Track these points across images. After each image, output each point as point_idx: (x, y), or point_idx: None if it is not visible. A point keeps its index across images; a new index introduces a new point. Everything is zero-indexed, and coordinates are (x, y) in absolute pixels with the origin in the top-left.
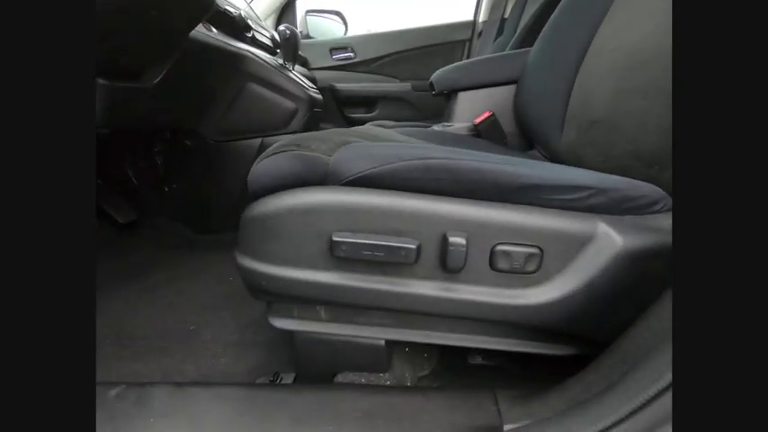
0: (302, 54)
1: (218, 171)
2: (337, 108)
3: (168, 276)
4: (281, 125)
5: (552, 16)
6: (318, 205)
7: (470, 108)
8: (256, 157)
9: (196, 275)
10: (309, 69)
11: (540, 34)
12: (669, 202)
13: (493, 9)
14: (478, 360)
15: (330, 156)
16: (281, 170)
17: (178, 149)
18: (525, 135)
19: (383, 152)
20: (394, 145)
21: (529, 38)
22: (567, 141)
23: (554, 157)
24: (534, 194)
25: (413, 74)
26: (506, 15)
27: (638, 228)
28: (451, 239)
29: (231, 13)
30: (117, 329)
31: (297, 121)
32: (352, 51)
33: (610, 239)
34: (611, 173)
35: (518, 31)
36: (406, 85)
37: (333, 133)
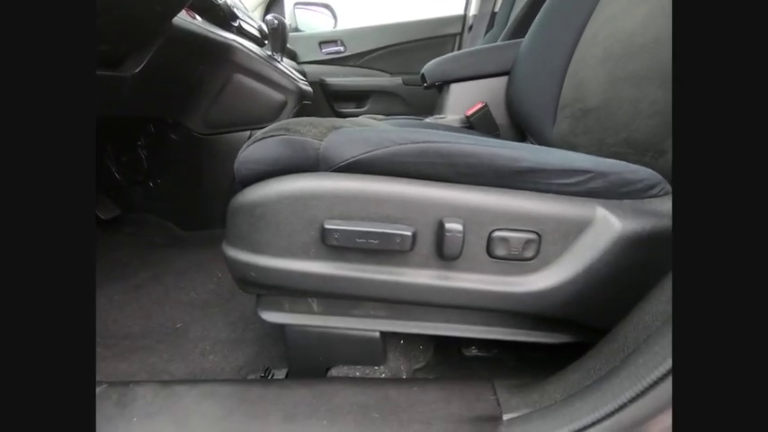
0: (291, 48)
1: (206, 165)
2: (327, 103)
3: (154, 274)
4: (269, 117)
5: (544, 7)
6: (309, 192)
7: (462, 100)
8: None
9: (183, 273)
10: (299, 63)
11: (532, 25)
12: (667, 186)
13: (483, 2)
14: (474, 351)
15: (321, 140)
16: (270, 155)
17: (163, 143)
18: (517, 126)
19: (376, 136)
20: (387, 129)
21: (520, 30)
22: (560, 131)
23: None
24: (532, 179)
25: (403, 68)
26: (496, 9)
27: (636, 212)
28: (448, 226)
29: (216, 0)
30: (101, 328)
31: (286, 114)
32: (342, 45)
33: (608, 224)
34: None
35: (509, 23)
36: (397, 80)
37: (324, 119)
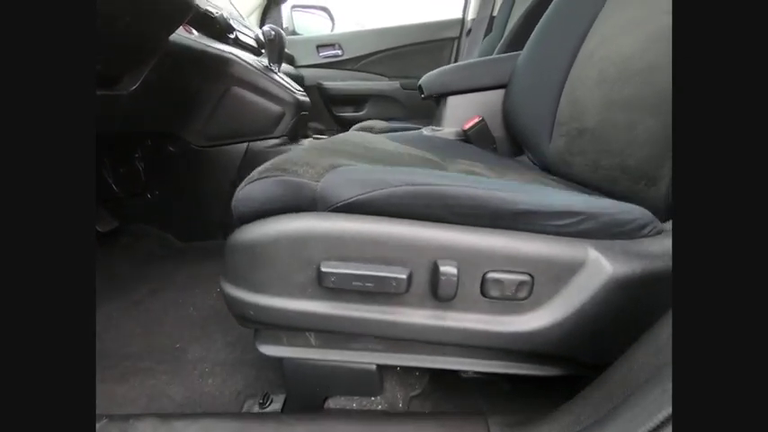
0: (288, 51)
1: (204, 176)
2: (325, 107)
3: (153, 289)
4: (267, 129)
5: (541, 21)
6: (306, 232)
7: (460, 112)
8: (243, 162)
9: (182, 287)
10: (296, 67)
11: (530, 39)
12: (658, 224)
13: (481, 7)
14: (470, 374)
15: (317, 181)
16: (267, 196)
17: (161, 155)
18: (514, 140)
19: (373, 177)
20: (384, 169)
21: (516, 42)
22: (556, 148)
23: (543, 163)
24: (525, 220)
25: (401, 72)
26: (495, 13)
27: (627, 254)
28: (442, 269)
29: (212, 14)
30: (101, 348)
31: (284, 125)
32: (340, 48)
33: (600, 266)
34: (599, 183)
35: (506, 32)
36: (395, 84)
37: (321, 153)
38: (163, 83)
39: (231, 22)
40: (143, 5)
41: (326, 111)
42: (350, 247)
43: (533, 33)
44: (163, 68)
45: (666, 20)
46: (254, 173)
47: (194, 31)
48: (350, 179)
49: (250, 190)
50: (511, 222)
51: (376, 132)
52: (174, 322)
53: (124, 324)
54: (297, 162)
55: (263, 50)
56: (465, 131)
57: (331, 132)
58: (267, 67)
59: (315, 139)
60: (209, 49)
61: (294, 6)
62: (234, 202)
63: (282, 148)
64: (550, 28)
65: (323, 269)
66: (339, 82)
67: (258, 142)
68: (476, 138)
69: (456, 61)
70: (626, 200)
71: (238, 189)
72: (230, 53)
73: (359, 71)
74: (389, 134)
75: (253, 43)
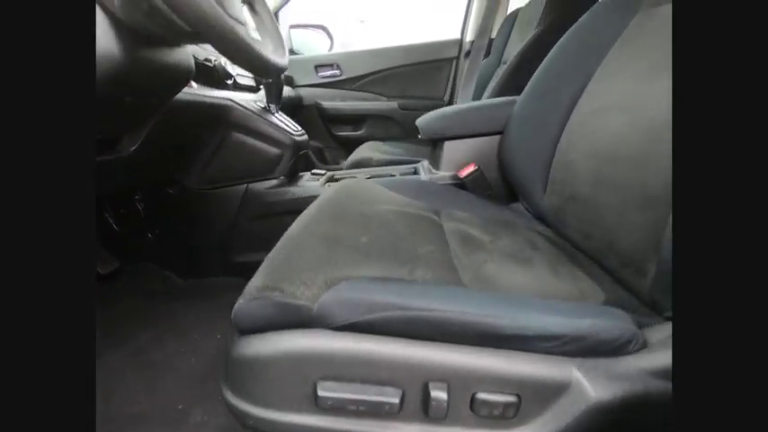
0: (287, 72)
1: (204, 216)
2: (324, 126)
3: (155, 334)
4: (266, 171)
5: (537, 71)
6: (303, 352)
7: (456, 156)
8: (242, 202)
9: (184, 331)
10: (294, 87)
11: (526, 88)
12: (642, 338)
13: (480, 29)
14: None
15: (314, 303)
16: (265, 314)
17: (160, 197)
18: (509, 185)
19: (366, 300)
20: (379, 289)
21: (510, 84)
22: (551, 204)
23: (537, 214)
24: (513, 343)
25: (400, 92)
26: (493, 35)
27: (610, 377)
28: (433, 394)
29: (211, 62)
30: (103, 405)
31: (282, 166)
32: (338, 68)
33: (583, 390)
34: (589, 252)
35: (502, 58)
36: (393, 104)
37: (316, 261)
38: (163, 139)
39: (228, 67)
40: (146, 80)
41: (325, 130)
42: (345, 367)
43: (530, 83)
44: (162, 126)
45: (661, 110)
46: (253, 289)
47: (194, 84)
48: (344, 302)
49: (249, 308)
50: (497, 344)
51: (374, 165)
52: (176, 376)
53: (127, 377)
54: (293, 281)
55: (260, 87)
56: (461, 179)
57: (330, 150)
58: (265, 108)
59: (312, 175)
60: (207, 100)
61: (292, 25)
62: (234, 314)
63: (281, 189)
64: (545, 83)
65: (320, 393)
66: (338, 101)
67: (257, 183)
68: (471, 185)
69: (455, 82)
70: (615, 278)
71: (238, 302)
72: (229, 99)
73: (357, 91)
74: (386, 180)
75: (251, 83)
